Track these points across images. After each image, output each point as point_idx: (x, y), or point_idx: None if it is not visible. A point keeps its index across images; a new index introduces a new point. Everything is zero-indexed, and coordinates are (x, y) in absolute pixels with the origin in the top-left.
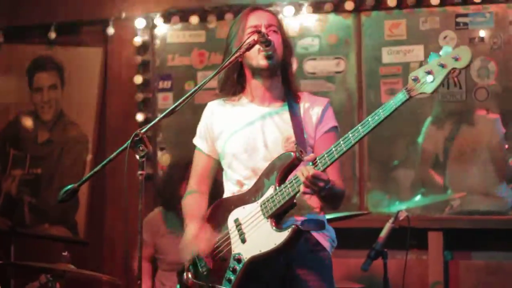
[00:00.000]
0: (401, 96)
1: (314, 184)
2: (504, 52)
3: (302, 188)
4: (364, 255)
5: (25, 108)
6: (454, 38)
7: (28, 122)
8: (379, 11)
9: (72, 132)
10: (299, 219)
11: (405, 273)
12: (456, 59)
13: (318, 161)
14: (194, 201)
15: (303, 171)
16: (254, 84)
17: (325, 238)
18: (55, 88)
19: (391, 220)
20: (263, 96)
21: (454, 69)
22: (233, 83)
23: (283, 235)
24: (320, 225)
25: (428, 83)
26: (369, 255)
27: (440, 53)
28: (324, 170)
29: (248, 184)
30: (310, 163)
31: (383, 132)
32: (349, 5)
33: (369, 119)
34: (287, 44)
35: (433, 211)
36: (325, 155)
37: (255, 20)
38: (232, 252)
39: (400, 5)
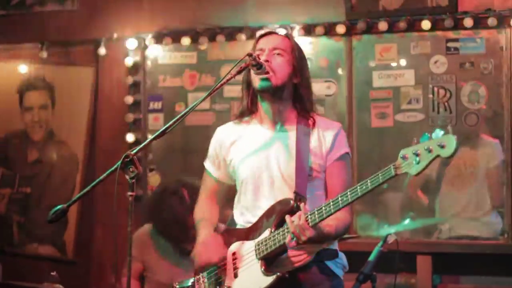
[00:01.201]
0: (388, 173)
1: (300, 234)
2: (495, 77)
3: (288, 236)
4: (353, 278)
5: (15, 127)
6: (445, 63)
7: (18, 141)
8: (370, 35)
9: (62, 152)
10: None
11: None
12: (442, 147)
13: (308, 217)
14: (207, 208)
15: (295, 219)
16: (261, 107)
17: (337, 266)
18: (46, 108)
19: (380, 244)
20: (272, 119)
21: (438, 155)
22: (248, 106)
23: (268, 281)
24: (333, 255)
25: (414, 164)
26: (357, 278)
27: (432, 135)
28: (315, 227)
29: (253, 214)
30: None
31: (372, 155)
32: (340, 29)
33: (357, 187)
34: (299, 67)
35: (422, 235)
36: (315, 212)
37: (263, 44)
38: (225, 284)
39: (391, 29)
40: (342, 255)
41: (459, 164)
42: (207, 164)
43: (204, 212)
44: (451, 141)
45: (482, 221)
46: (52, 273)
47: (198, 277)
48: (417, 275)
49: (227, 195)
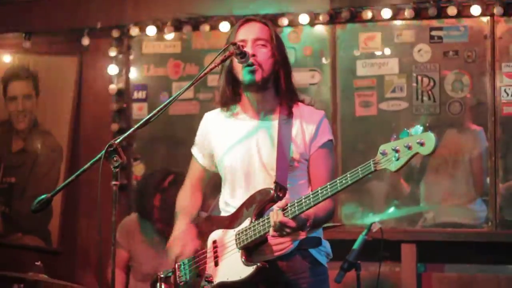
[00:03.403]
0: (368, 168)
1: (281, 229)
2: (478, 65)
3: (271, 231)
4: (337, 266)
5: None
6: (429, 51)
7: (2, 131)
8: (354, 24)
9: (47, 141)
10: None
11: (378, 285)
12: (421, 144)
13: (288, 208)
14: (188, 197)
15: (273, 215)
16: (246, 97)
17: (321, 254)
18: (30, 97)
19: (364, 232)
20: (256, 109)
21: (417, 153)
22: (229, 95)
23: (248, 271)
24: (316, 242)
25: (393, 161)
26: (342, 266)
27: (412, 131)
28: (295, 217)
29: (234, 203)
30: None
31: (357, 144)
32: (324, 18)
33: (337, 181)
34: (280, 56)
35: (407, 223)
36: (295, 204)
37: (243, 34)
38: (205, 272)
39: (375, 18)
40: (325, 243)
41: (443, 152)
42: (195, 151)
43: (185, 201)
44: (431, 139)
45: (466, 209)
46: (36, 263)
47: (179, 264)
48: (402, 264)
49: (213, 182)
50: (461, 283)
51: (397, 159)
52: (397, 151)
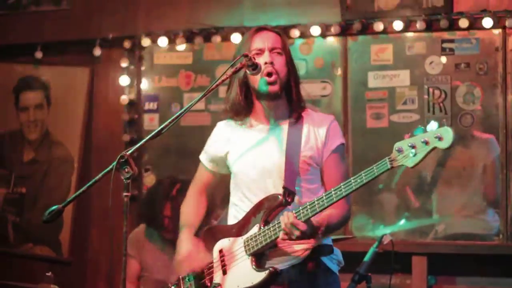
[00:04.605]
0: (384, 166)
1: (291, 231)
2: (490, 77)
3: (281, 234)
4: (348, 278)
5: (11, 127)
6: (440, 64)
7: (14, 141)
8: (366, 36)
9: (58, 151)
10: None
11: None
12: (439, 139)
13: (301, 211)
14: (192, 209)
15: (284, 217)
16: (259, 106)
17: (332, 262)
18: (41, 108)
19: (375, 244)
20: (266, 117)
21: (435, 147)
22: (243, 104)
23: (260, 276)
24: (328, 250)
25: (410, 157)
26: (353, 279)
27: (427, 127)
28: (307, 221)
29: (243, 209)
30: (294, 210)
31: (367, 155)
32: (336, 29)
33: (352, 181)
34: (292, 65)
35: (418, 236)
36: (308, 206)
37: (260, 42)
38: (213, 281)
39: (387, 29)
40: (337, 251)
41: (455, 165)
42: (203, 156)
43: (189, 214)
44: (448, 133)
45: (478, 219)
46: (47, 274)
47: (183, 276)
48: (412, 276)
49: (223, 193)
50: None
51: (414, 155)
52: (413, 147)
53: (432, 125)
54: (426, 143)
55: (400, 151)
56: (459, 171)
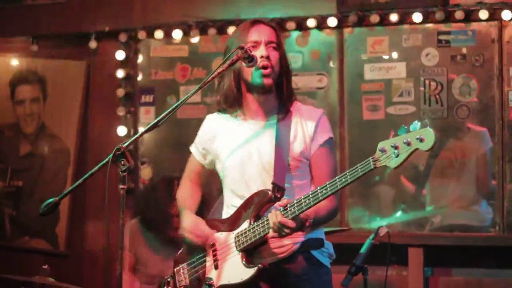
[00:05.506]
0: (367, 166)
1: (281, 230)
2: (486, 69)
3: (271, 232)
4: (345, 270)
5: (7, 120)
6: (436, 56)
7: (10, 134)
8: (362, 28)
9: (54, 145)
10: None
11: None
12: (421, 140)
13: (288, 209)
14: (189, 194)
15: (272, 216)
16: (249, 99)
17: (323, 255)
18: (38, 101)
19: (371, 236)
20: (256, 111)
21: (417, 149)
22: (236, 96)
23: (249, 272)
24: (318, 243)
25: (393, 157)
26: (349, 270)
27: (410, 127)
28: (295, 217)
29: (234, 205)
30: (282, 208)
31: (364, 147)
32: (332, 22)
33: (337, 180)
34: (285, 60)
35: (414, 227)
36: (295, 204)
37: (256, 35)
38: (206, 275)
39: (383, 22)
40: (328, 244)
41: (449, 156)
42: (193, 148)
43: (187, 198)
44: (430, 135)
45: (472, 211)
46: (44, 266)
47: (178, 268)
48: (409, 268)
49: (217, 184)
50: (468, 287)
51: (397, 156)
52: (396, 147)
53: (415, 125)
54: (408, 144)
55: (383, 151)
56: (453, 163)
